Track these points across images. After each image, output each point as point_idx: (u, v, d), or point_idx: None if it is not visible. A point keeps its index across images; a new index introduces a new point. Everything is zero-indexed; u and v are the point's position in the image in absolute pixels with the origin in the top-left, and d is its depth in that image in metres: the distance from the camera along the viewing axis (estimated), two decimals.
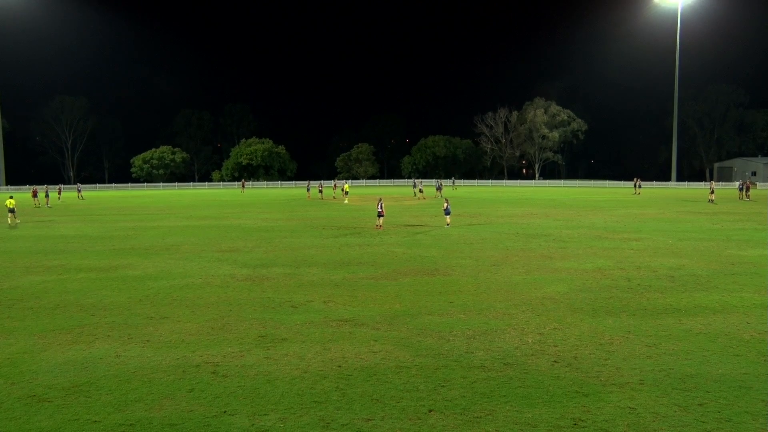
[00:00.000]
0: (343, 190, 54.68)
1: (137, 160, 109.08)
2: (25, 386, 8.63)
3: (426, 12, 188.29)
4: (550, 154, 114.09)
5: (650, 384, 8.48)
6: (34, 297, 14.40)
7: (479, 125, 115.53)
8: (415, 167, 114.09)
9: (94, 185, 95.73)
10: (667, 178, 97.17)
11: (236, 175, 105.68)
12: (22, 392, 8.42)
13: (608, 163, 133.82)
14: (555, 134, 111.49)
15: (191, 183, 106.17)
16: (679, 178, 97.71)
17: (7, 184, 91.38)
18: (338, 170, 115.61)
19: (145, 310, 12.98)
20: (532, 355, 9.78)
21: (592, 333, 10.98)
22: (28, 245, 23.93)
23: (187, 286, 15.39)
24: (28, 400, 8.13)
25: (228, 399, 8.08)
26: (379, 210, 28.75)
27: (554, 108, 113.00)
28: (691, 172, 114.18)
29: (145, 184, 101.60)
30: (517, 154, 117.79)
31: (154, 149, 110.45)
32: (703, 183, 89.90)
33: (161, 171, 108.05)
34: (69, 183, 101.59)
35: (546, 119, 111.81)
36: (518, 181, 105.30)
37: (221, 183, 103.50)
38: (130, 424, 7.35)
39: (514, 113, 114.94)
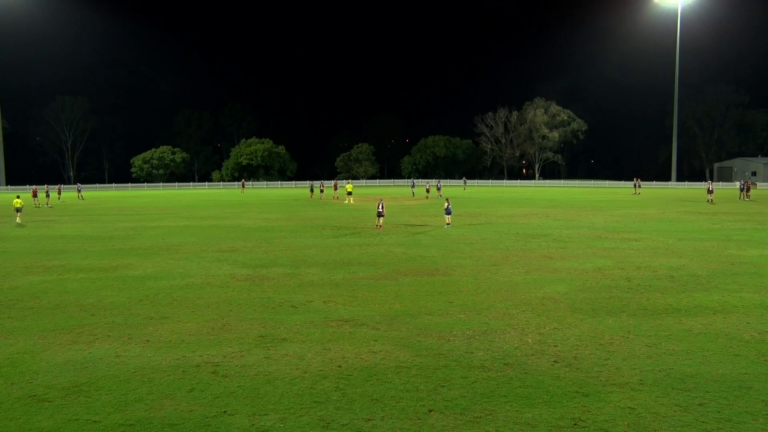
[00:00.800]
0: (345, 190, 54.33)
1: (137, 160, 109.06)
2: (25, 386, 8.63)
3: (426, 12, 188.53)
4: (550, 154, 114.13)
5: (650, 384, 8.48)
6: (34, 297, 14.40)
7: (479, 125, 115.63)
8: (415, 167, 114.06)
9: (94, 185, 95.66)
10: (667, 178, 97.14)
11: (236, 175, 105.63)
12: (22, 392, 8.41)
13: (608, 163, 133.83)
14: (555, 134, 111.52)
15: (191, 183, 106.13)
16: (679, 178, 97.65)
17: (7, 184, 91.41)
18: (338, 170, 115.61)
19: (145, 310, 12.99)
20: (532, 355, 9.78)
21: (592, 333, 10.98)
22: (28, 245, 23.94)
23: (187, 286, 15.39)
24: (28, 400, 8.12)
25: (228, 399, 8.08)
26: (380, 210, 28.77)
27: (554, 108, 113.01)
28: (691, 172, 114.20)
29: (145, 184, 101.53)
30: (517, 154, 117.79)
31: (154, 149, 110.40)
32: (703, 183, 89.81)
33: (161, 171, 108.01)
34: (69, 183, 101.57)
35: (546, 119, 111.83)
36: (518, 181, 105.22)
37: (221, 183, 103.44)
38: (130, 424, 7.34)
39: (514, 113, 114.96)
